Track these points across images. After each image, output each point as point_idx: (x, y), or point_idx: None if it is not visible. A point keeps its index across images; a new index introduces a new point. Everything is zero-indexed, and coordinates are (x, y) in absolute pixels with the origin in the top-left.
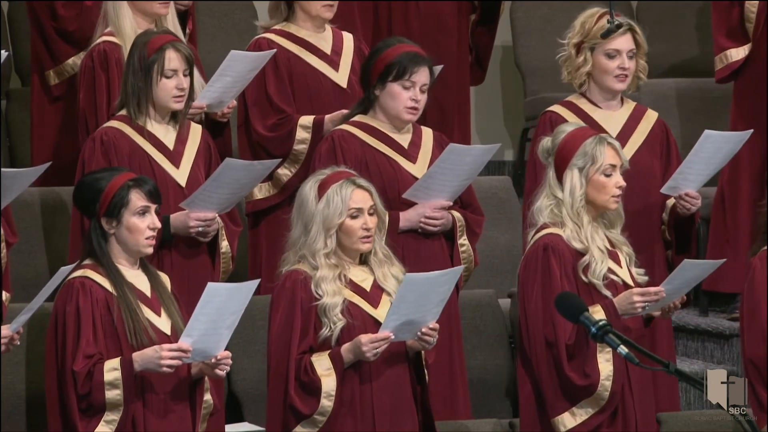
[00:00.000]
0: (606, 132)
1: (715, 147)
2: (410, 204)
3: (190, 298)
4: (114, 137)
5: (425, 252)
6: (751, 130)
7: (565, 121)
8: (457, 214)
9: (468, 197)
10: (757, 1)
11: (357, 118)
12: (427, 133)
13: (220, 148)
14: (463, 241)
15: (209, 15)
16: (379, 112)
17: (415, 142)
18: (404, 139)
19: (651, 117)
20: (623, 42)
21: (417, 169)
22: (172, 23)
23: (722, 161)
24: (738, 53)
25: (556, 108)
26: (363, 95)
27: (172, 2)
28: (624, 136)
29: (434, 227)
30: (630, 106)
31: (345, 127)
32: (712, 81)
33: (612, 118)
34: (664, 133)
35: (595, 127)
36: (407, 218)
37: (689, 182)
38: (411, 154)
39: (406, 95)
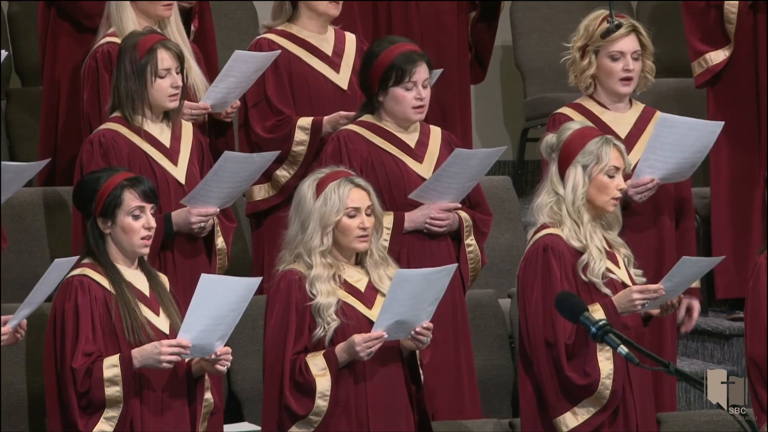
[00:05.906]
0: (615, 134)
1: (679, 133)
2: (416, 204)
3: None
4: (112, 139)
5: (431, 252)
6: (722, 123)
7: None
8: (464, 215)
9: (476, 197)
10: (738, 1)
11: (363, 117)
12: (435, 133)
13: (223, 148)
14: (470, 241)
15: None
16: (386, 114)
17: (423, 142)
18: (411, 139)
19: None
20: (627, 43)
21: (423, 168)
22: (175, 24)
23: (692, 150)
24: (718, 56)
25: (565, 110)
26: (365, 99)
27: (175, 4)
28: (633, 137)
29: (439, 228)
30: (639, 107)
31: (351, 127)
32: None
33: (621, 119)
34: None
35: (603, 129)
36: (412, 219)
37: (655, 170)
38: (418, 153)
39: (411, 96)
